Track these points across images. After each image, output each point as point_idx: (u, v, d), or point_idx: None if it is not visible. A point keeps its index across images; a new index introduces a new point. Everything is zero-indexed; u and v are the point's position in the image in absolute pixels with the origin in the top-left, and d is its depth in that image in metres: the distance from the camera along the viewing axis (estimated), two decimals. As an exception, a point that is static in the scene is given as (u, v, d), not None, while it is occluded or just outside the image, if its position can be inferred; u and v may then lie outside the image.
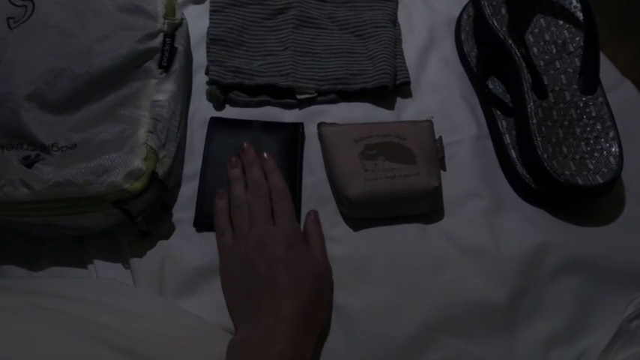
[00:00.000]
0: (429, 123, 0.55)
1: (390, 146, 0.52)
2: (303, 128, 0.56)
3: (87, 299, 0.42)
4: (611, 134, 0.53)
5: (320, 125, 0.55)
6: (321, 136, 0.55)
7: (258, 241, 0.45)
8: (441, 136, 0.55)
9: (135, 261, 0.48)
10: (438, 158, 0.53)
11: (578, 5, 0.58)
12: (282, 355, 0.39)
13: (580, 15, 0.58)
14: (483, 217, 0.52)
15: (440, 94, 0.61)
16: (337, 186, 0.51)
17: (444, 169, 0.55)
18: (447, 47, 0.65)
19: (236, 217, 0.48)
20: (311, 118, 0.57)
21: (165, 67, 0.53)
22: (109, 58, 0.51)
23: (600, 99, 0.54)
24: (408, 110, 0.60)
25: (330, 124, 0.55)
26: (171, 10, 0.56)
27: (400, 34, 0.64)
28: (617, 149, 0.52)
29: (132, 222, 0.46)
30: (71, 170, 0.44)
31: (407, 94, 0.61)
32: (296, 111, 0.59)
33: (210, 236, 0.50)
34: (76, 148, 0.47)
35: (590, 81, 0.55)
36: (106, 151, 0.46)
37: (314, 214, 0.51)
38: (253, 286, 0.43)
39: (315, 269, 0.45)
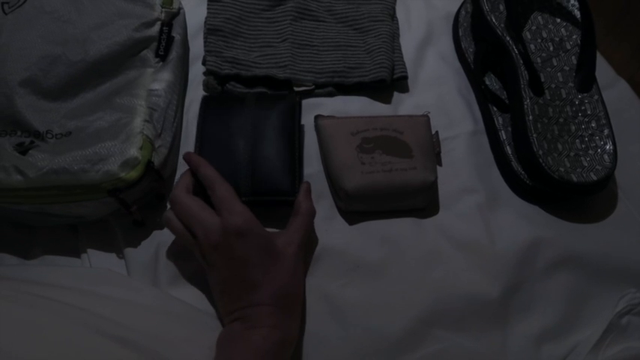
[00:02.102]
0: (426, 118, 0.55)
1: (387, 140, 0.52)
2: (300, 98, 0.55)
3: (81, 289, 0.42)
4: (606, 132, 0.53)
5: (317, 117, 0.55)
6: (317, 129, 0.54)
7: (208, 246, 0.43)
8: (437, 131, 0.55)
9: (129, 251, 0.47)
10: (434, 153, 0.53)
11: (576, 3, 0.59)
12: (265, 340, 0.39)
13: (577, 13, 0.59)
14: (478, 213, 0.52)
15: (437, 89, 0.61)
16: (334, 178, 0.51)
17: (440, 164, 0.55)
18: (445, 43, 0.65)
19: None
20: (308, 110, 0.57)
21: (162, 55, 0.53)
22: (105, 46, 0.50)
23: (596, 97, 0.55)
24: (404, 105, 0.60)
25: (327, 116, 0.55)
26: (168, -1, 0.56)
27: (398, 28, 0.64)
28: (611, 147, 0.52)
29: (127, 211, 0.46)
30: (66, 158, 0.44)
31: (404, 88, 0.61)
32: (293, 103, 0.58)
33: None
34: (70, 135, 0.46)
35: (586, 79, 0.55)
36: (102, 140, 0.46)
37: (306, 185, 0.49)
38: (223, 286, 0.43)
39: (276, 248, 0.44)
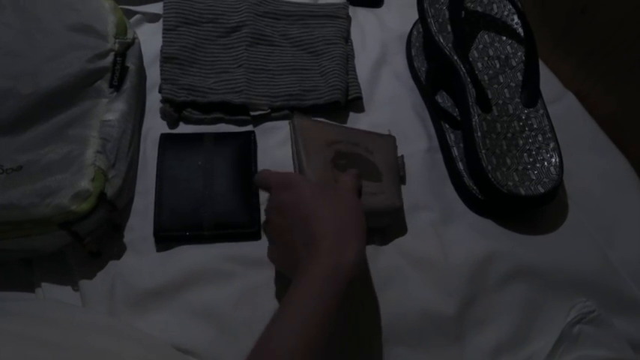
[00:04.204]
0: (394, 139, 0.56)
1: (359, 159, 0.52)
2: (254, 136, 0.57)
3: (31, 315, 0.41)
4: (552, 145, 0.55)
5: (294, 117, 0.53)
6: (294, 129, 0.52)
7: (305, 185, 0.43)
8: (402, 155, 0.56)
9: (84, 283, 0.47)
10: (399, 176, 0.54)
11: (520, 21, 0.61)
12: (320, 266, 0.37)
13: (521, 31, 0.61)
14: (433, 229, 0.53)
15: (392, 108, 0.63)
16: None
17: (404, 183, 0.56)
18: (399, 62, 0.67)
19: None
20: (264, 134, 0.58)
21: (116, 86, 0.53)
22: (57, 78, 0.50)
23: (541, 111, 0.57)
24: (360, 124, 0.61)
25: (304, 116, 0.54)
26: (122, 30, 0.56)
27: (352, 50, 0.66)
28: (557, 160, 0.54)
29: (80, 243, 0.46)
30: (15, 193, 0.44)
31: (359, 108, 0.62)
32: (250, 127, 0.59)
33: (162, 255, 0.50)
34: (21, 170, 0.46)
35: (531, 94, 0.57)
36: (53, 173, 0.46)
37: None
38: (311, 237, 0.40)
39: (330, 189, 0.44)
